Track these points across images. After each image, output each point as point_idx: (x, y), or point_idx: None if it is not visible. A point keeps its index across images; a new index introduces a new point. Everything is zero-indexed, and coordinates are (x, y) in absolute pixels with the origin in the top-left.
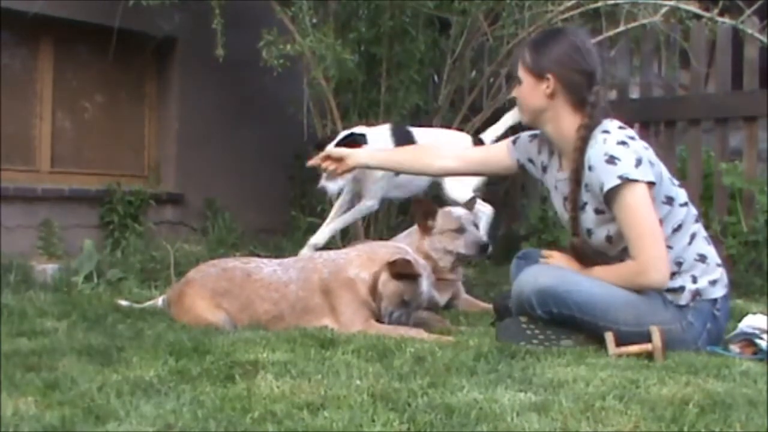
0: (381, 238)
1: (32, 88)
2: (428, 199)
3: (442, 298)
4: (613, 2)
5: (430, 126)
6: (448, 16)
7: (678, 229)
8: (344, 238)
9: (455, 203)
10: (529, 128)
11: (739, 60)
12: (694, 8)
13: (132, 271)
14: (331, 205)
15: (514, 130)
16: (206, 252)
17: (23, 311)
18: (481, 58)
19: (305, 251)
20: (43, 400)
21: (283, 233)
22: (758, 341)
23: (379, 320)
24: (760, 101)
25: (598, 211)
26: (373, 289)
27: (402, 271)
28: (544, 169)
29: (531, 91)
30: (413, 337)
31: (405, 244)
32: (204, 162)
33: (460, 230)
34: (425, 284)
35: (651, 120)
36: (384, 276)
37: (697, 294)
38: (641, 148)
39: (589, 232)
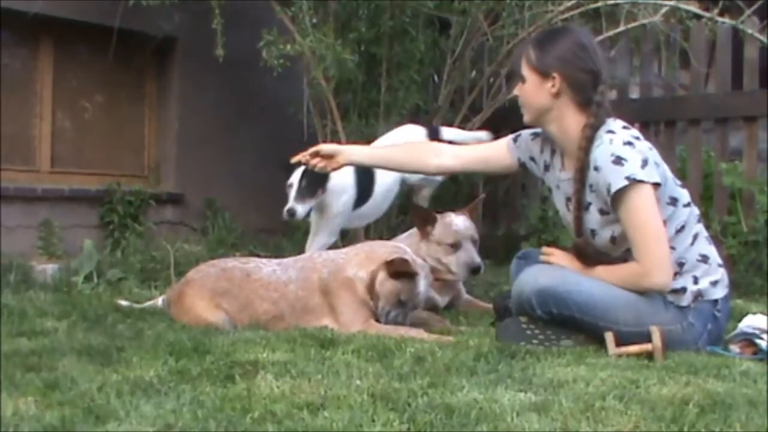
0: (381, 239)
1: (32, 88)
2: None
3: (443, 299)
4: (613, 2)
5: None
6: (448, 16)
7: (681, 229)
8: (344, 238)
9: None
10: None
11: (739, 60)
12: (694, 8)
13: (132, 271)
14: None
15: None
16: (206, 252)
17: (23, 311)
18: (481, 58)
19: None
20: (43, 400)
21: (283, 233)
22: (758, 341)
23: (377, 320)
24: (760, 101)
25: (602, 212)
26: (371, 288)
27: (399, 269)
28: (546, 168)
29: (535, 90)
30: (413, 337)
31: (405, 245)
32: (204, 162)
33: (456, 246)
34: (422, 284)
35: (651, 120)
36: (381, 275)
37: (698, 295)
38: (646, 148)
39: (593, 232)
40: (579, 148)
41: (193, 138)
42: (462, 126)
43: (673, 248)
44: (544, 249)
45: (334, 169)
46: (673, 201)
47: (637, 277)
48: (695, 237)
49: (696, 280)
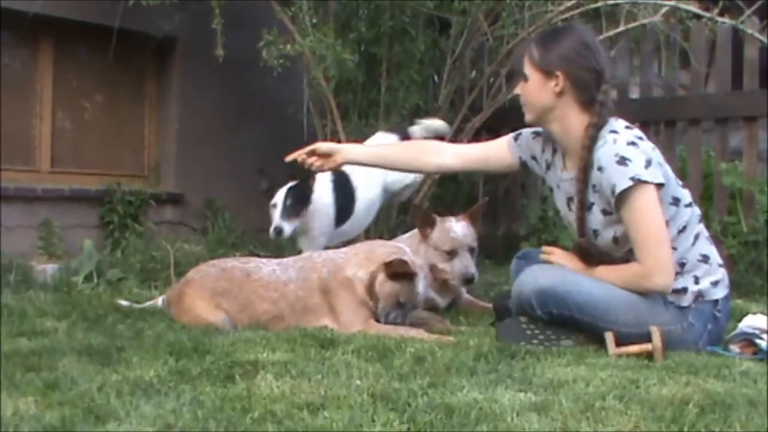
0: (381, 239)
1: (32, 88)
2: (427, 209)
3: (443, 300)
4: (613, 2)
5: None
6: (448, 16)
7: (683, 230)
8: None
9: None
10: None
11: (739, 60)
12: (694, 8)
13: (132, 271)
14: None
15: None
16: (206, 252)
17: (23, 311)
18: (481, 58)
19: None
20: (43, 400)
21: None
22: (758, 341)
23: (377, 320)
24: (760, 101)
25: (605, 212)
26: (370, 289)
27: (398, 271)
28: (548, 167)
29: (539, 89)
30: (413, 337)
31: (406, 245)
32: (204, 162)
33: (452, 254)
34: (421, 284)
35: (651, 120)
36: (380, 276)
37: (699, 295)
38: (650, 148)
39: (596, 233)
40: (582, 147)
41: (193, 138)
42: (462, 126)
43: (674, 248)
44: (545, 248)
45: (331, 169)
46: (676, 201)
47: (639, 277)
48: (696, 237)
49: (697, 280)
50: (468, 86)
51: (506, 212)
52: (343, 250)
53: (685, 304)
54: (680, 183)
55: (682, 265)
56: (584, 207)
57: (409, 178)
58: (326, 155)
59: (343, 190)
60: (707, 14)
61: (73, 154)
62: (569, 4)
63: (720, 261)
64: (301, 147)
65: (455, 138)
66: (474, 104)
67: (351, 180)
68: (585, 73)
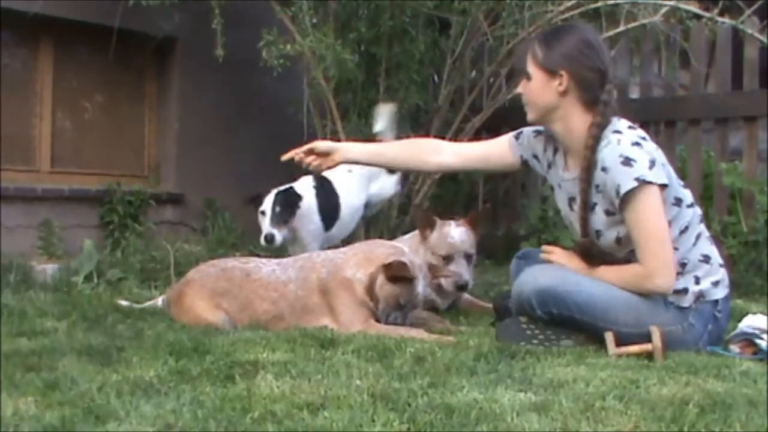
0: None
1: (32, 88)
2: (428, 210)
3: (444, 301)
4: (613, 2)
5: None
6: (448, 16)
7: (685, 230)
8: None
9: None
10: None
11: (739, 60)
12: (694, 8)
13: (132, 271)
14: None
15: None
16: (206, 252)
17: (23, 311)
18: (481, 58)
19: None
20: (43, 400)
21: None
22: (758, 341)
23: (377, 320)
24: (760, 101)
25: (608, 213)
26: (370, 290)
27: (397, 274)
28: (549, 166)
29: (542, 88)
30: (413, 337)
31: (407, 245)
32: (204, 162)
33: (448, 259)
34: (421, 285)
35: (651, 120)
36: (380, 278)
37: (700, 296)
38: (653, 149)
39: (598, 233)
40: (586, 147)
41: (193, 138)
42: (462, 126)
43: (676, 249)
44: (545, 247)
45: (329, 168)
46: (678, 202)
47: (640, 279)
48: (698, 237)
49: (697, 281)
50: (468, 86)
51: (506, 212)
52: (342, 250)
53: (685, 304)
54: (681, 183)
55: (683, 265)
56: (587, 207)
57: (390, 192)
58: (324, 154)
59: (327, 195)
60: (707, 14)
61: (73, 154)
62: (569, 4)
63: (721, 261)
64: (299, 146)
65: (455, 138)
66: (474, 104)
67: (333, 185)
68: (589, 73)
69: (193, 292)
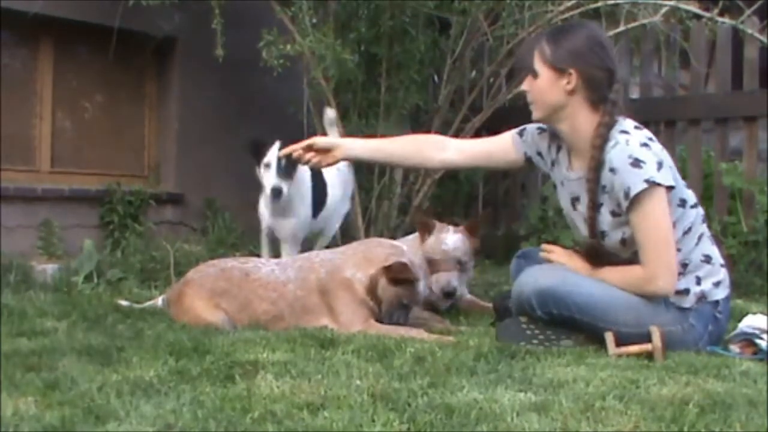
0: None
1: (32, 88)
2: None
3: (445, 302)
4: (613, 2)
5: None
6: (448, 16)
7: (688, 231)
8: (344, 237)
9: None
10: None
11: (739, 60)
12: (694, 8)
13: (132, 271)
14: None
15: None
16: (206, 252)
17: (23, 311)
18: (481, 58)
19: None
20: (43, 400)
21: None
22: (758, 341)
23: (378, 320)
24: (760, 101)
25: (614, 214)
26: (372, 291)
27: (399, 276)
28: (553, 164)
29: (550, 86)
30: (413, 337)
31: (408, 246)
32: (204, 162)
33: (440, 264)
34: (422, 284)
35: (651, 120)
36: (383, 281)
37: (702, 297)
38: (660, 150)
39: (603, 234)
40: (593, 147)
41: (193, 138)
42: (462, 126)
43: (678, 250)
44: (544, 246)
45: (329, 165)
46: (683, 203)
47: (642, 281)
48: (700, 237)
49: (699, 281)
50: (468, 86)
51: (506, 212)
52: (340, 250)
53: (687, 305)
54: (684, 183)
55: (684, 265)
56: (596, 208)
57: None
58: (324, 150)
59: (317, 179)
60: (707, 14)
61: (73, 154)
62: (569, 4)
63: (722, 261)
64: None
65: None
66: (474, 104)
67: (322, 173)
68: (598, 72)
69: (192, 292)
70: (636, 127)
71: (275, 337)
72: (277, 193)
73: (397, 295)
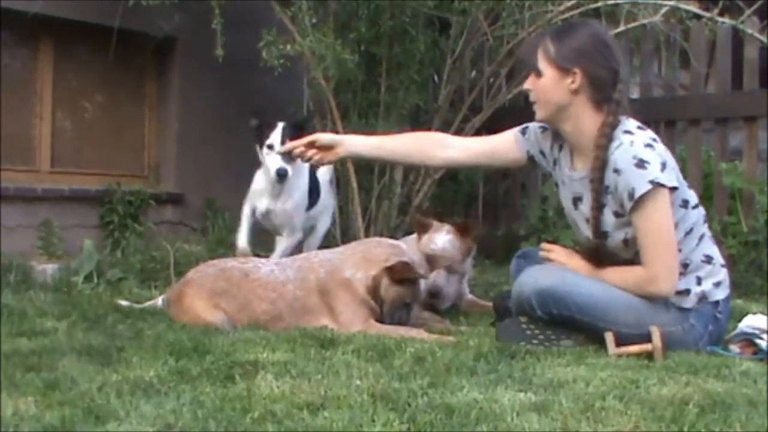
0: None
1: (32, 88)
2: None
3: (441, 303)
4: (613, 2)
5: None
6: (448, 16)
7: (690, 232)
8: (344, 237)
9: None
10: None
11: (739, 60)
12: (694, 8)
13: (132, 271)
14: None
15: None
16: (206, 252)
17: (23, 311)
18: (481, 58)
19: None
20: (43, 400)
21: None
22: (758, 341)
23: (378, 320)
24: (760, 101)
25: (617, 214)
26: (374, 291)
27: (402, 276)
28: (555, 163)
29: (554, 86)
30: (413, 337)
31: (408, 245)
32: (204, 162)
33: (429, 263)
34: (423, 283)
35: (651, 120)
36: (385, 281)
37: (702, 297)
38: (664, 150)
39: (605, 234)
40: (597, 147)
41: (193, 138)
42: (462, 126)
43: (679, 250)
44: (544, 245)
45: (331, 162)
46: (685, 203)
47: (642, 282)
48: (701, 238)
49: (699, 281)
50: (468, 86)
51: (506, 212)
52: (339, 250)
53: (687, 305)
54: (686, 184)
55: (685, 266)
56: (600, 208)
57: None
58: (326, 147)
59: (311, 174)
60: (707, 14)
61: (73, 154)
62: (569, 4)
63: (722, 261)
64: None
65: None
66: (474, 104)
67: (316, 172)
68: (603, 72)
69: (192, 292)
70: (639, 127)
71: (275, 337)
72: (282, 174)
73: (400, 294)
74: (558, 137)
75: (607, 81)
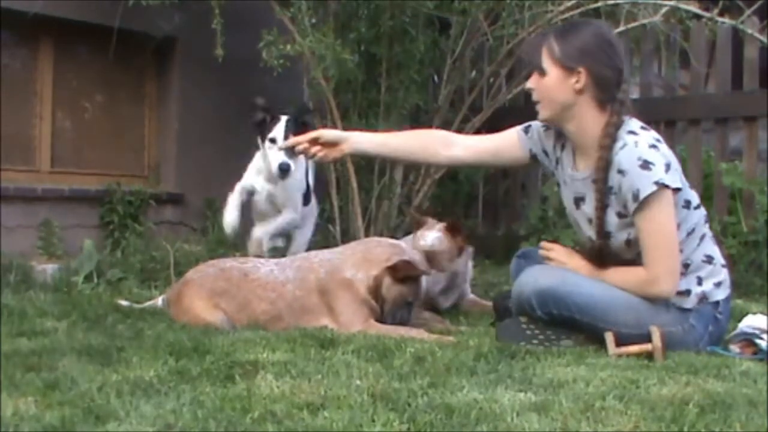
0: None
1: (32, 88)
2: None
3: (447, 300)
4: (613, 2)
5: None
6: (448, 16)
7: (691, 232)
8: (344, 237)
9: None
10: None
11: (739, 60)
12: (694, 8)
13: (132, 271)
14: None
15: None
16: (206, 252)
17: (23, 311)
18: (481, 58)
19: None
20: (43, 400)
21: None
22: (758, 341)
23: (379, 320)
24: (760, 101)
25: (620, 215)
26: (374, 291)
27: (406, 274)
28: (557, 162)
29: (558, 85)
30: (413, 337)
31: (408, 244)
32: (204, 162)
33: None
34: (425, 281)
35: (651, 120)
36: (387, 280)
37: (703, 298)
38: (667, 151)
39: (608, 235)
40: (601, 147)
41: (193, 138)
42: (462, 126)
43: (680, 250)
44: (544, 244)
45: (336, 159)
46: (687, 204)
47: (643, 283)
48: (702, 238)
49: (700, 281)
50: (468, 86)
51: (506, 212)
52: (339, 249)
53: (688, 306)
54: (688, 184)
55: (686, 266)
56: (603, 209)
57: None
58: (331, 144)
59: (305, 170)
60: (707, 14)
61: (73, 154)
62: (569, 4)
63: (723, 261)
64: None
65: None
66: (474, 104)
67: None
68: (608, 71)
69: (191, 292)
70: (642, 128)
71: (275, 337)
72: (285, 169)
73: (402, 293)
74: (561, 136)
75: (611, 81)
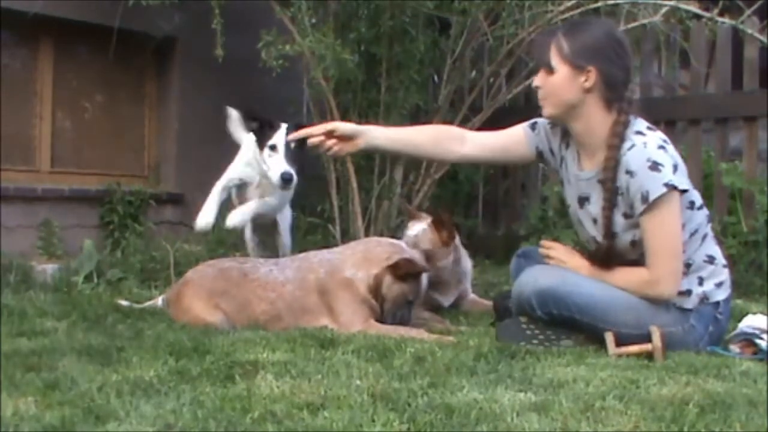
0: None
1: (32, 88)
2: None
3: (447, 299)
4: (613, 2)
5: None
6: (448, 16)
7: (695, 233)
8: (344, 237)
9: None
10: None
11: (739, 60)
12: (694, 8)
13: (132, 271)
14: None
15: None
16: (206, 252)
17: (23, 311)
18: (481, 58)
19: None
20: (43, 400)
21: None
22: (758, 341)
23: (379, 320)
24: (760, 101)
25: (626, 216)
26: (375, 291)
27: (408, 272)
28: (561, 160)
29: (567, 83)
30: (413, 337)
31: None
32: (204, 162)
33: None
34: (425, 279)
35: (651, 120)
36: (388, 279)
37: (704, 298)
38: (674, 152)
39: (614, 235)
40: (609, 147)
41: (193, 138)
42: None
43: (683, 251)
44: (544, 243)
45: (350, 153)
46: (691, 204)
47: (644, 284)
48: (704, 238)
49: (701, 281)
50: (468, 86)
51: (506, 212)
52: (339, 249)
53: (689, 306)
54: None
55: (688, 266)
56: (611, 209)
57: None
58: (346, 138)
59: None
60: (707, 14)
61: (73, 154)
62: (569, 4)
63: (724, 262)
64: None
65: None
66: (474, 104)
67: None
68: (617, 70)
69: (191, 292)
70: (649, 128)
71: (275, 337)
72: (287, 179)
73: (403, 291)
74: (566, 135)
75: (620, 80)
